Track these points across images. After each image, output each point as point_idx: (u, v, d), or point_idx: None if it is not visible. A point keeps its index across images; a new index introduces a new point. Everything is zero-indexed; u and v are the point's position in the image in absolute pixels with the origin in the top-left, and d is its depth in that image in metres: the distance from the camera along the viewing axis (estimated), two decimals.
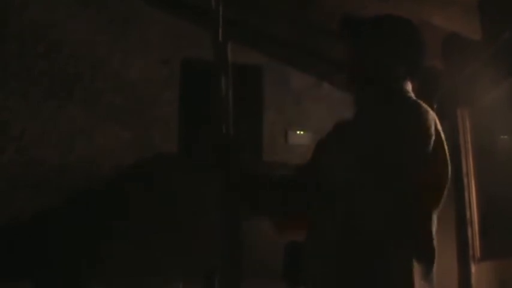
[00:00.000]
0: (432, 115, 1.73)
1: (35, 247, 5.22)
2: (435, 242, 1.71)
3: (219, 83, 1.90)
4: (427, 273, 1.68)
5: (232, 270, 1.78)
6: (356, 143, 1.74)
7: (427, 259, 1.69)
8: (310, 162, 1.96)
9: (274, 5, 4.97)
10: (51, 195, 5.45)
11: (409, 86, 1.85)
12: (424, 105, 1.75)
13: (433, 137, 1.70)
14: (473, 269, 4.26)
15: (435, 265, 1.71)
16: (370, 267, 1.62)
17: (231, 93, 1.91)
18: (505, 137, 4.29)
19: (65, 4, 5.89)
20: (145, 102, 5.99)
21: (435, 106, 3.98)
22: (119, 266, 5.20)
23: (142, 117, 5.96)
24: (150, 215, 5.49)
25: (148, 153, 5.87)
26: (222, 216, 1.83)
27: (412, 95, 1.84)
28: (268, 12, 5.11)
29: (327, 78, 5.90)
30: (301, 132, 6.03)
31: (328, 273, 1.69)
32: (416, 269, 1.64)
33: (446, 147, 1.75)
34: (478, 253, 4.32)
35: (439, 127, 1.74)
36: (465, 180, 4.25)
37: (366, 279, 1.62)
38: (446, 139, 1.76)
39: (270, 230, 1.94)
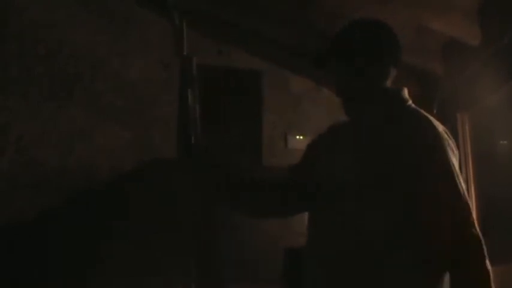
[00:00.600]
0: (441, 128, 1.74)
1: (35, 247, 5.22)
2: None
3: (186, 95, 1.92)
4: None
5: (210, 278, 1.80)
6: (357, 143, 1.74)
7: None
8: (301, 163, 1.96)
9: (273, 5, 4.95)
10: (51, 195, 5.45)
11: (406, 92, 1.86)
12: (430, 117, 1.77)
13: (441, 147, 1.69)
14: None
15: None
16: (370, 268, 1.62)
17: (198, 106, 1.93)
18: (505, 142, 4.28)
19: (65, 4, 5.88)
20: (145, 102, 5.99)
21: (435, 110, 3.98)
22: (119, 266, 5.20)
23: (142, 117, 5.96)
24: (150, 215, 5.49)
25: (148, 154, 5.87)
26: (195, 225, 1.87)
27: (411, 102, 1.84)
28: (267, 13, 5.09)
29: (326, 82, 5.88)
30: (301, 137, 6.02)
31: (328, 274, 1.69)
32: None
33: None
34: None
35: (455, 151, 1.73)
36: (465, 185, 4.23)
37: (366, 280, 1.62)
38: None
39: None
